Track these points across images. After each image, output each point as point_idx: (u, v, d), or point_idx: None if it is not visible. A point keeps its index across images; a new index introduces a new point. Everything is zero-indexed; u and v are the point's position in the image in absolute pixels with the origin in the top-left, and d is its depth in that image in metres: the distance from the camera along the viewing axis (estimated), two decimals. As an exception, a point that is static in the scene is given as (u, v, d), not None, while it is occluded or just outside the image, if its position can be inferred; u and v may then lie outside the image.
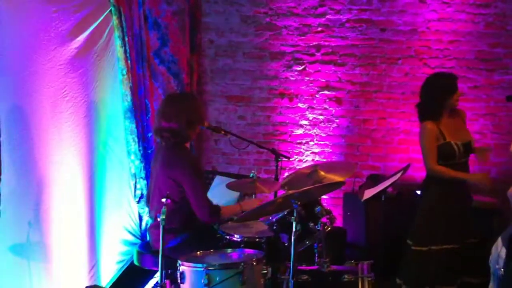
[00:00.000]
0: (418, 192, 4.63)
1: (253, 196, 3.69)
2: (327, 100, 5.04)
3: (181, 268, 2.76)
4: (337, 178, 3.30)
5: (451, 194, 3.58)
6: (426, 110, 3.57)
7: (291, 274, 2.70)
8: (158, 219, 2.69)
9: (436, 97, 3.53)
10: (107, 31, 3.75)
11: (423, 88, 3.62)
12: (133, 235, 4.24)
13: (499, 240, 2.59)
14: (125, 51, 3.88)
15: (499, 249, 2.56)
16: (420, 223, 3.66)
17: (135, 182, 4.11)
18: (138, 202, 4.18)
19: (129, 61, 3.92)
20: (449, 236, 3.55)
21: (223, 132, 3.83)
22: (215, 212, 3.18)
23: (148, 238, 3.43)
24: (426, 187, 3.70)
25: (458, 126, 3.63)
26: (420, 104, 3.63)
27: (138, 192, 4.14)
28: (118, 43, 3.83)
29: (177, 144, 3.20)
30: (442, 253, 3.54)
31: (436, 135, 3.52)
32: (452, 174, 3.52)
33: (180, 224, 3.16)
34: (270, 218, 3.21)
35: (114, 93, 3.94)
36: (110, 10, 3.73)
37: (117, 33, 3.81)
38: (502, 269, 2.49)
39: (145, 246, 3.42)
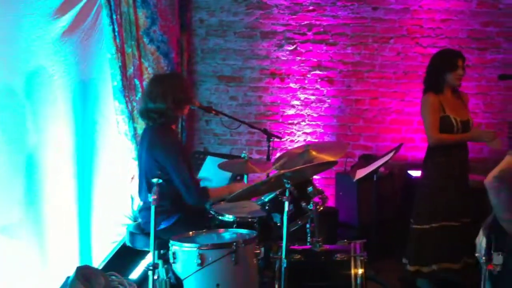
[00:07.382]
0: (410, 172, 4.67)
1: (244, 178, 3.67)
2: (319, 80, 5.01)
3: (174, 248, 2.75)
4: (329, 158, 3.28)
5: (451, 170, 3.63)
6: (428, 82, 3.69)
7: (283, 254, 2.70)
8: (150, 200, 2.66)
9: (436, 71, 3.65)
10: (94, 9, 3.67)
11: (429, 61, 3.75)
12: (125, 215, 4.22)
13: (481, 231, 2.62)
14: (113, 30, 3.80)
15: (480, 239, 2.60)
16: (421, 202, 3.70)
17: (126, 163, 4.08)
18: (130, 182, 4.15)
19: (117, 40, 3.85)
20: (449, 213, 3.61)
21: (214, 112, 3.79)
22: (203, 194, 3.15)
23: (140, 220, 3.41)
24: (426, 164, 3.74)
25: (459, 105, 3.72)
26: (424, 77, 3.75)
27: (130, 173, 4.10)
28: (106, 21, 3.76)
29: (163, 124, 3.18)
30: (443, 230, 3.59)
31: (438, 107, 3.59)
32: (454, 137, 3.60)
33: (171, 205, 3.14)
34: (263, 198, 3.20)
35: (103, 73, 3.88)
36: (98, -12, 3.66)
37: (105, 11, 3.73)
38: (483, 257, 2.54)
39: (137, 227, 3.40)
